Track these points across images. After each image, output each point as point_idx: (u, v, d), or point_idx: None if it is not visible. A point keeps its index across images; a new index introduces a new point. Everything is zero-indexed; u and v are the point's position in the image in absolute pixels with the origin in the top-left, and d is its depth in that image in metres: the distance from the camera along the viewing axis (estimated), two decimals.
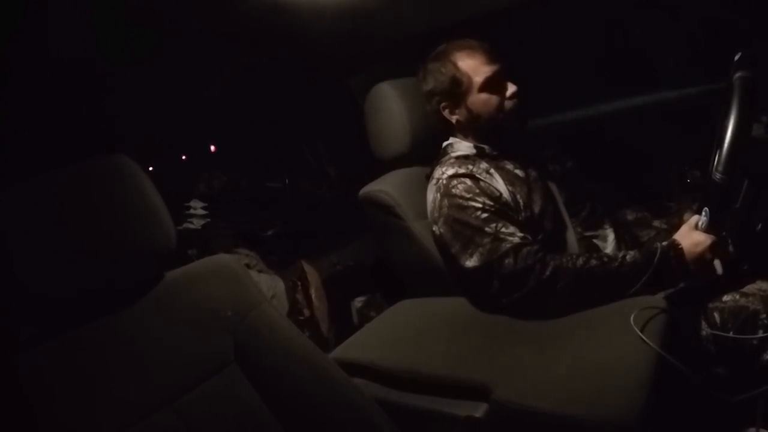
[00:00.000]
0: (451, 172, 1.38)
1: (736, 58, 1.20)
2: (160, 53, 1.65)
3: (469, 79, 1.43)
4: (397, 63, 1.69)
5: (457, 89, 1.45)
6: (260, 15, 1.64)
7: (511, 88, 1.43)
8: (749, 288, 1.24)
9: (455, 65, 1.45)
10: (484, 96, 1.43)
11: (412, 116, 1.60)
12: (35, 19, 1.32)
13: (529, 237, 1.28)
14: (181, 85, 1.89)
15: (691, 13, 1.70)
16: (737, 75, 1.16)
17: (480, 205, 1.30)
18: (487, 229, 1.27)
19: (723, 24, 1.64)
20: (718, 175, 1.14)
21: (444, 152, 1.52)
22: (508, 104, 1.44)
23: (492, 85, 1.43)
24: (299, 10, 1.68)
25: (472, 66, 1.44)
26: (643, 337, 1.03)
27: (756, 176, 1.18)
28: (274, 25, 1.71)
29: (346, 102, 1.76)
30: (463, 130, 1.50)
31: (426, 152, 1.58)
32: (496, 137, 1.48)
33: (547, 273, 1.20)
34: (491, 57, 1.44)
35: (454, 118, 1.49)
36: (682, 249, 1.20)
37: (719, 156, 1.14)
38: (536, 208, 1.41)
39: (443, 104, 1.48)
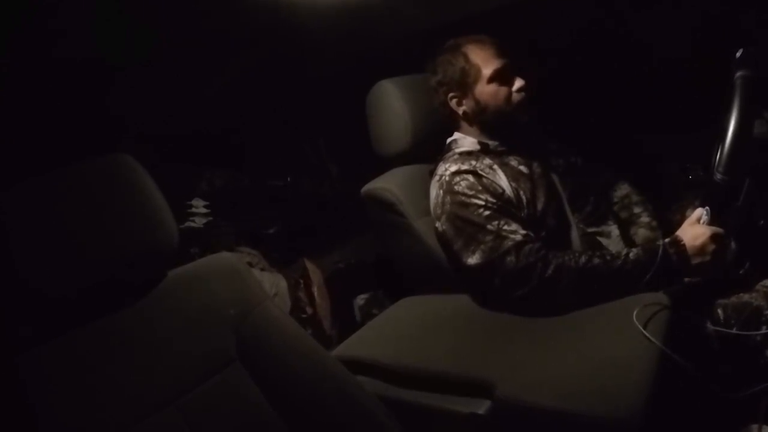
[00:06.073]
0: (453, 168, 1.38)
1: (738, 55, 1.20)
2: (160, 53, 1.65)
3: (479, 70, 1.45)
4: (398, 60, 1.68)
5: (465, 80, 1.46)
6: (260, 13, 1.64)
7: (519, 82, 1.45)
8: (751, 284, 1.24)
9: (466, 57, 1.47)
10: (492, 87, 1.45)
11: (414, 113, 1.60)
12: (37, 19, 1.32)
13: (532, 234, 1.28)
14: (182, 85, 1.89)
15: (692, 8, 1.70)
16: (738, 74, 1.16)
17: (482, 202, 1.30)
18: (489, 226, 1.27)
19: (724, 19, 1.63)
20: (718, 176, 1.14)
21: (447, 148, 1.52)
22: (515, 97, 1.45)
23: (500, 77, 1.45)
24: (300, 7, 1.68)
25: (483, 57, 1.45)
26: (646, 334, 1.03)
27: (758, 174, 1.18)
28: (275, 22, 1.71)
29: (348, 99, 1.76)
30: (469, 122, 1.51)
31: (428, 149, 1.58)
32: (502, 131, 1.49)
33: (549, 271, 1.20)
34: (501, 51, 1.47)
35: (461, 110, 1.50)
36: (684, 245, 1.20)
37: (720, 156, 1.14)
38: (540, 205, 1.41)
39: (451, 95, 1.50)
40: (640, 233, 1.59)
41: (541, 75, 1.54)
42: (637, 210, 1.65)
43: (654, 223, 1.61)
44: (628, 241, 1.53)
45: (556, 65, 1.96)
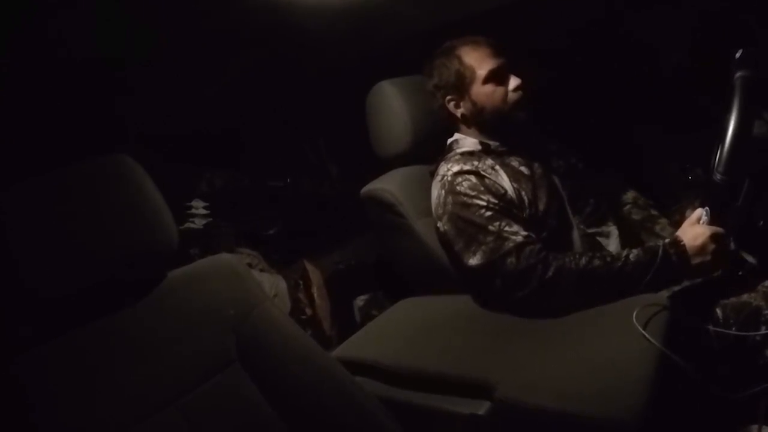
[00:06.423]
0: (456, 168, 1.38)
1: (737, 55, 1.20)
2: (160, 53, 1.65)
3: (473, 72, 1.45)
4: (399, 61, 1.68)
5: (461, 82, 1.46)
6: (261, 13, 1.64)
7: (515, 81, 1.45)
8: (751, 284, 1.24)
9: (460, 59, 1.46)
10: (488, 88, 1.44)
11: (414, 114, 1.60)
12: (37, 19, 1.32)
13: (533, 235, 1.28)
14: (182, 85, 1.89)
15: (692, 8, 1.70)
16: (738, 74, 1.16)
17: (484, 203, 1.30)
18: (490, 227, 1.27)
19: (724, 19, 1.63)
20: (718, 176, 1.14)
21: (449, 148, 1.52)
22: (512, 96, 1.45)
23: (496, 77, 1.44)
24: (300, 8, 1.68)
25: (477, 59, 1.45)
26: (646, 335, 1.03)
27: (757, 174, 1.18)
28: (275, 22, 1.71)
29: (348, 100, 1.76)
30: (468, 124, 1.51)
31: (427, 150, 1.58)
32: (501, 131, 1.49)
33: (550, 273, 1.20)
34: (496, 51, 1.46)
35: (459, 112, 1.50)
36: (684, 245, 1.20)
37: (719, 156, 1.14)
38: (541, 206, 1.41)
39: (448, 98, 1.50)
40: (669, 230, 1.60)
41: (540, 75, 1.54)
42: (654, 212, 1.65)
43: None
44: (634, 241, 1.52)
45: (556, 66, 1.96)
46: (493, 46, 1.47)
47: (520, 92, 1.45)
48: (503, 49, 1.47)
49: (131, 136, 1.90)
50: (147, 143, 1.87)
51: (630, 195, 1.70)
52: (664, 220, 1.64)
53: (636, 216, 1.66)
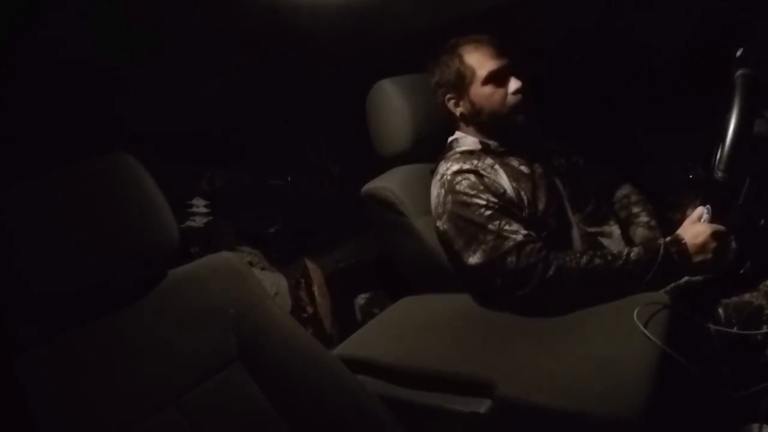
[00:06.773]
0: (455, 167, 1.38)
1: (738, 54, 1.20)
2: (159, 53, 1.65)
3: (473, 72, 1.44)
4: (398, 60, 1.68)
5: (461, 82, 1.46)
6: (261, 13, 1.64)
7: (515, 84, 1.44)
8: (753, 283, 1.24)
9: (461, 58, 1.46)
10: (487, 89, 1.44)
11: (414, 113, 1.60)
12: (38, 19, 1.32)
13: (533, 234, 1.28)
14: (182, 85, 1.89)
15: (692, 6, 1.70)
16: (739, 72, 1.15)
17: (484, 202, 1.30)
18: (490, 226, 1.26)
19: (724, 17, 1.63)
20: (719, 174, 1.14)
21: (449, 147, 1.52)
22: (511, 99, 1.44)
23: (495, 79, 1.44)
24: (300, 7, 1.68)
25: (477, 59, 1.45)
26: (647, 333, 1.03)
27: (758, 173, 1.18)
28: (275, 22, 1.71)
29: (348, 99, 1.76)
30: (467, 122, 1.51)
31: (428, 149, 1.58)
32: (499, 132, 1.48)
33: (551, 272, 1.20)
34: (498, 52, 1.45)
35: (458, 111, 1.50)
36: (685, 243, 1.20)
37: (720, 155, 1.14)
38: (541, 205, 1.40)
39: (448, 96, 1.50)
40: (639, 232, 1.59)
41: (540, 74, 1.53)
42: (635, 210, 1.65)
43: (653, 223, 1.61)
44: (629, 241, 1.53)
45: (556, 64, 1.96)
46: (495, 47, 1.46)
47: (519, 95, 1.44)
48: (506, 50, 1.46)
49: (131, 135, 1.89)
50: (147, 143, 1.87)
51: (620, 193, 1.70)
52: (643, 219, 1.62)
53: (621, 215, 1.66)
